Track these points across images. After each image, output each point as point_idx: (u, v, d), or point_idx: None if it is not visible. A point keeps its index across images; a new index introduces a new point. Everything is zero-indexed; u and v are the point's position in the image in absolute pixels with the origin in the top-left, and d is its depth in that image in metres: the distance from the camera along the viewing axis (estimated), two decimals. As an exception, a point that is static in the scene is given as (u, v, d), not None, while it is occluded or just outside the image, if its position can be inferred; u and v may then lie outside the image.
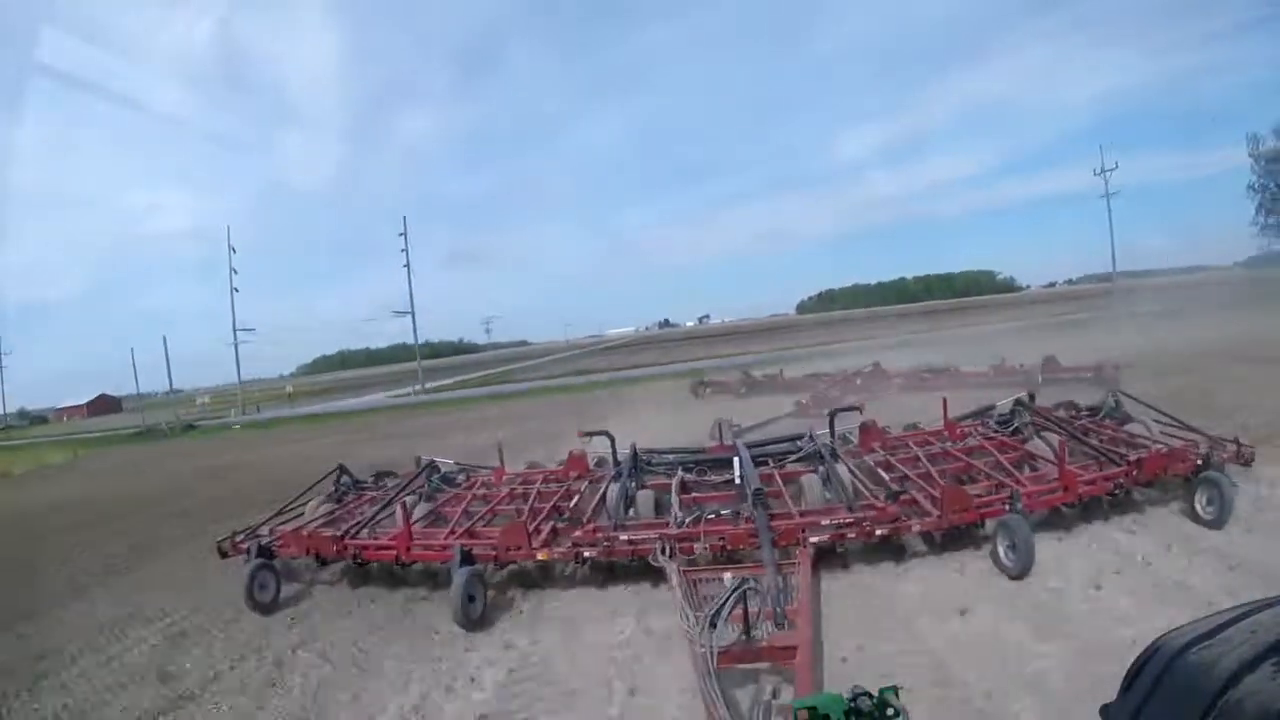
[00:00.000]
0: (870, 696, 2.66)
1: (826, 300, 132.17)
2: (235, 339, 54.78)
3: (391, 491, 9.48)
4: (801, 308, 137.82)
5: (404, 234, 55.45)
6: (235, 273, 55.29)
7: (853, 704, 2.64)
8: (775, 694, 4.15)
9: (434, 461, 10.50)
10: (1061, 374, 16.49)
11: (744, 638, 4.53)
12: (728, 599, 4.50)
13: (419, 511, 8.48)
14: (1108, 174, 55.36)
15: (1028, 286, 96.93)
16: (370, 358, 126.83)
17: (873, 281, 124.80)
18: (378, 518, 8.30)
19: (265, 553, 7.61)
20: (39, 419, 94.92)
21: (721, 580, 5.97)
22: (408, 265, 55.57)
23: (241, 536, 8.29)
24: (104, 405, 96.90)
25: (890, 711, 2.62)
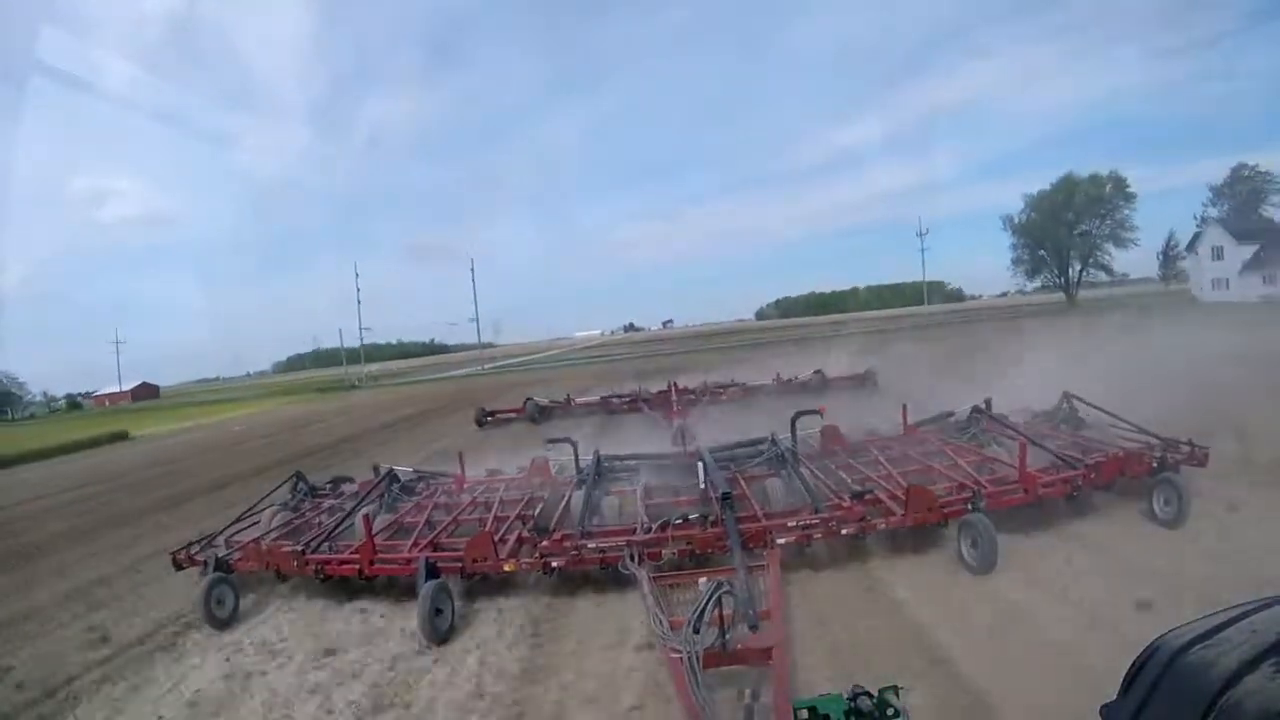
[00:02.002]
0: (870, 696, 2.67)
1: (783, 307, 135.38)
2: (360, 336, 75.21)
3: (350, 500, 9.30)
4: (760, 314, 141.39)
5: (472, 270, 75.59)
6: (359, 289, 71.40)
7: (852, 704, 2.65)
8: (755, 695, 4.15)
9: (393, 470, 10.31)
10: (832, 382, 19.87)
11: (721, 641, 4.53)
12: (706, 602, 4.49)
13: (379, 522, 8.29)
14: (923, 235, 74.98)
15: (979, 296, 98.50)
16: (349, 356, 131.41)
17: (828, 290, 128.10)
18: (338, 528, 8.11)
19: (222, 566, 7.38)
20: (74, 404, 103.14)
21: (692, 585, 5.99)
22: (474, 284, 74.96)
23: (198, 548, 8.03)
24: (145, 392, 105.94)
25: (890, 711, 2.63)
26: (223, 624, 7.00)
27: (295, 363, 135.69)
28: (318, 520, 8.82)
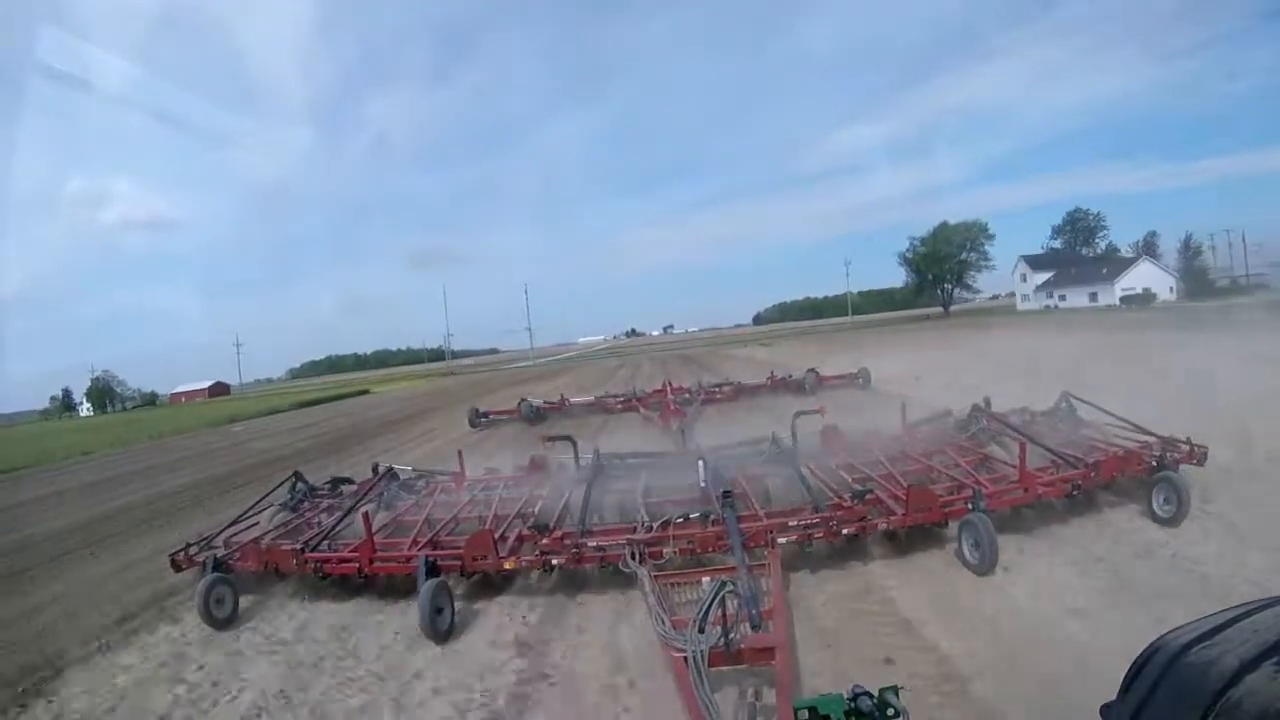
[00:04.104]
0: (870, 696, 2.66)
1: (780, 312, 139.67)
2: (447, 339, 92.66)
3: (349, 500, 9.29)
4: (758, 319, 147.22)
5: (526, 292, 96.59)
6: (447, 289, 79.68)
7: (853, 704, 2.65)
8: (758, 696, 4.14)
9: (392, 469, 10.30)
10: (826, 381, 20.12)
11: (723, 641, 4.52)
12: (710, 602, 4.47)
13: (379, 521, 8.28)
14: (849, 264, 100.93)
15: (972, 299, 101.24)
16: (359, 362, 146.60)
17: (821, 296, 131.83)
18: (337, 527, 8.09)
19: (221, 566, 7.36)
20: (150, 401, 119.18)
21: (693, 584, 5.98)
22: (526, 301, 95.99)
23: (196, 549, 8.01)
24: (219, 390, 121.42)
25: (890, 711, 2.63)
26: (221, 624, 7.00)
27: (310, 369, 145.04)
28: (317, 520, 8.79)
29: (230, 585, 7.25)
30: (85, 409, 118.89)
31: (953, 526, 6.80)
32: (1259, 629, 1.28)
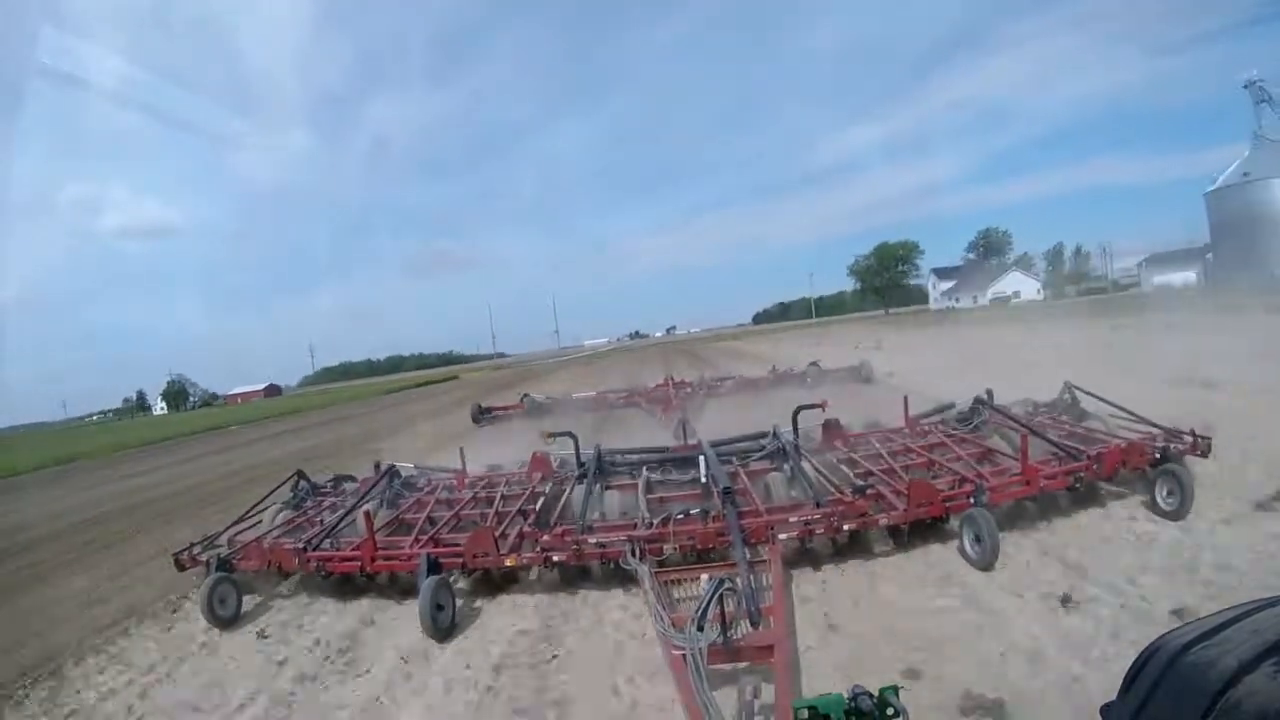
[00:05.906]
0: (870, 696, 2.66)
1: (781, 311, 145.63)
2: (493, 342, 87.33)
3: (352, 497, 9.30)
4: (758, 318, 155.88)
5: (554, 303, 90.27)
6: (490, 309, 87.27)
7: (853, 703, 2.64)
8: (756, 693, 4.14)
9: (394, 466, 10.30)
10: (828, 373, 20.12)
11: (722, 638, 4.51)
12: (709, 599, 4.46)
13: (381, 519, 8.28)
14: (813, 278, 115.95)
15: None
16: (372, 368, 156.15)
17: (817, 295, 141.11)
18: (339, 525, 8.10)
19: (225, 565, 7.39)
20: (206, 403, 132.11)
21: (694, 581, 5.97)
22: (554, 305, 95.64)
23: (199, 548, 8.02)
24: (272, 391, 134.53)
25: (890, 711, 2.62)
26: (226, 623, 7.02)
27: (324, 375, 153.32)
28: (320, 518, 8.80)
29: (234, 584, 7.29)
30: (159, 408, 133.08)
31: (954, 521, 6.79)
32: (1259, 629, 1.27)
